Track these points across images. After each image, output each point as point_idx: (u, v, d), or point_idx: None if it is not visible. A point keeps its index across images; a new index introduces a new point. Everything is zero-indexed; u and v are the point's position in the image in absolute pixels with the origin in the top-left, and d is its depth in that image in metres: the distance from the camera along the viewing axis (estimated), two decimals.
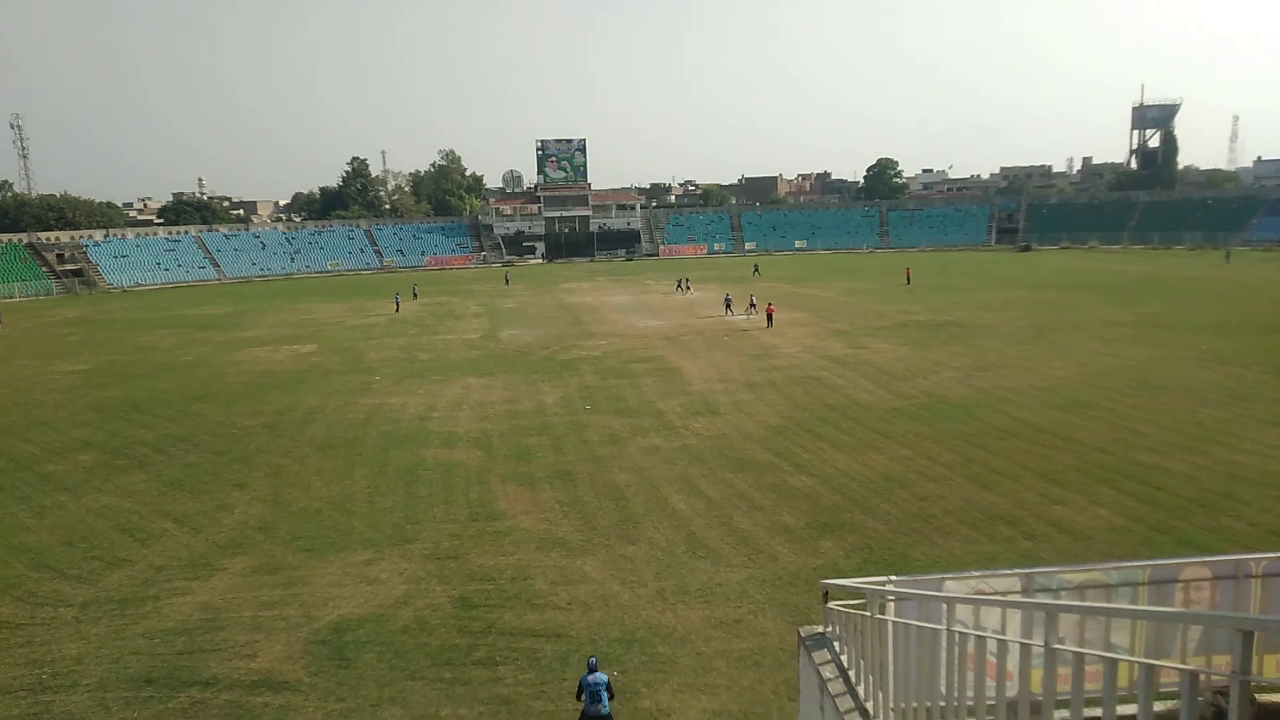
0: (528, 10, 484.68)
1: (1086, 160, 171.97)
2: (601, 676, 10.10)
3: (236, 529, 17.68)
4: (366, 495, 19.50)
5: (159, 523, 18.16)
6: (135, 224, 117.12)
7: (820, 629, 6.66)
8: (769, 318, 42.67)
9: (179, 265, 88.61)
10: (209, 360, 38.60)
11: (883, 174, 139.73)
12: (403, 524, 17.64)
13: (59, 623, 13.84)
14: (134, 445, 24.26)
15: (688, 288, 60.71)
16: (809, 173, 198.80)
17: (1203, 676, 3.16)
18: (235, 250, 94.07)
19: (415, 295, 62.96)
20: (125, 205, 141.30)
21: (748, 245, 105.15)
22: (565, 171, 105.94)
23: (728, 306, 48.19)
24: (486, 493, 19.41)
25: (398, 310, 55.07)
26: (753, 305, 46.70)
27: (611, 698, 10.09)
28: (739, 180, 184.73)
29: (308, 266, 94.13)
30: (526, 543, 16.49)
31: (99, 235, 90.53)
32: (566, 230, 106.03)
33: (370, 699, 11.37)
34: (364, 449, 23.19)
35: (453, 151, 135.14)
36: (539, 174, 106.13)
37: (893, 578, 5.83)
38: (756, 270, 73.90)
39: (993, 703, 4.37)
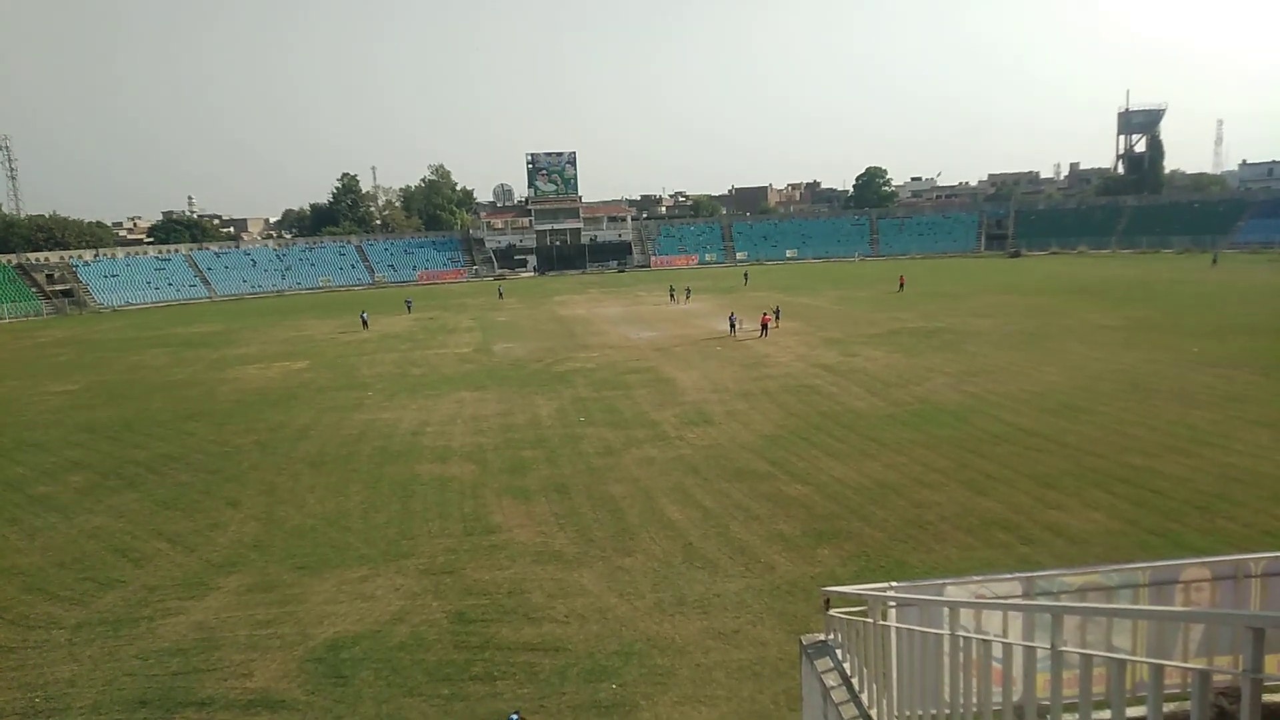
0: (512, 25, 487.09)
1: (1074, 166, 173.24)
2: None
3: (230, 547, 17.55)
4: (361, 511, 19.38)
5: (152, 543, 18.01)
6: (125, 243, 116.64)
7: (822, 637, 6.62)
8: (763, 327, 42.62)
9: (169, 284, 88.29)
10: (201, 379, 38.41)
11: (871, 182, 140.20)
12: (398, 539, 17.54)
13: (52, 645, 13.69)
14: (126, 465, 24.08)
15: (687, 296, 60.86)
16: (798, 182, 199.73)
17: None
18: (226, 268, 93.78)
19: (409, 309, 62.85)
20: (115, 225, 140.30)
21: (739, 255, 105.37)
22: (556, 184, 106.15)
23: (733, 327, 43.64)
24: (481, 507, 19.32)
25: (365, 327, 52.74)
26: (777, 315, 44.44)
27: None
28: (729, 191, 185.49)
29: (299, 283, 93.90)
30: (522, 556, 16.41)
31: (89, 255, 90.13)
32: (558, 243, 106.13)
33: (368, 716, 11.27)
34: (358, 465, 23.07)
35: (442, 166, 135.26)
36: (530, 187, 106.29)
37: (893, 584, 5.81)
38: (746, 279, 73.99)
39: (998, 708, 4.35)
